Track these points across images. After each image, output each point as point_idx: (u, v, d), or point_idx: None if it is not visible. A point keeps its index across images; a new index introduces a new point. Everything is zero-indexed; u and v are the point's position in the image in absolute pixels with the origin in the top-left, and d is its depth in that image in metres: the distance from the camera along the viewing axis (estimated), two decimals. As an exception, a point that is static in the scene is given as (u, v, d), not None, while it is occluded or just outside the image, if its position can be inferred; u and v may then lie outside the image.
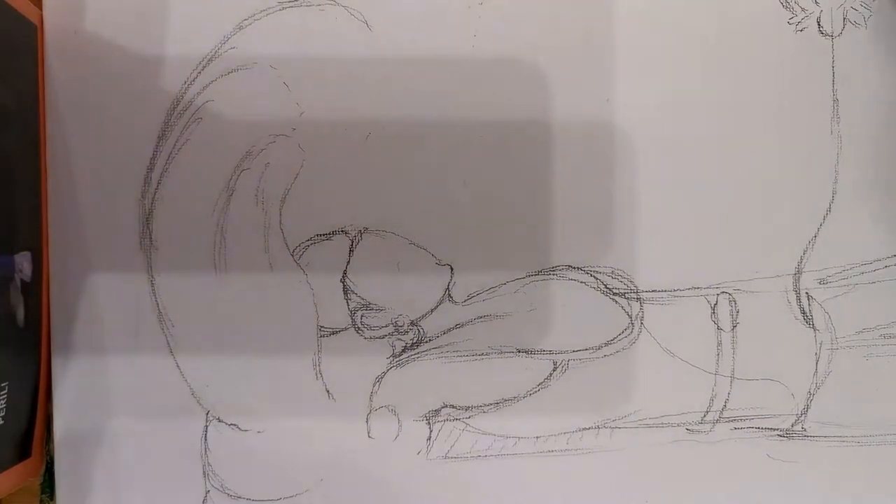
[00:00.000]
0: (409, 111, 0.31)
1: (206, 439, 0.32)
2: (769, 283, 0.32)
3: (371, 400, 0.32)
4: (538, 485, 0.32)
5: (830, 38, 0.31)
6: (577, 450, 0.32)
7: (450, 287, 0.32)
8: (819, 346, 0.32)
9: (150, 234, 0.31)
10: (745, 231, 0.32)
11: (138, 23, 0.31)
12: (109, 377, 0.32)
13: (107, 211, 0.31)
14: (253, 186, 0.31)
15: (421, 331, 0.32)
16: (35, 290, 0.31)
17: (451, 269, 0.32)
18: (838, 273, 0.32)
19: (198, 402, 0.32)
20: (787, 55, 0.31)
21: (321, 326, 0.32)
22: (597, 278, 0.32)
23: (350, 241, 0.32)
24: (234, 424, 0.32)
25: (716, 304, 0.32)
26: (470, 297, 0.32)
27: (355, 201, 0.32)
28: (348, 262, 0.32)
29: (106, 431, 0.32)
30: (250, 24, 0.31)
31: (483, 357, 0.32)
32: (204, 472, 0.32)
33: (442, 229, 0.32)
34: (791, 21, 0.32)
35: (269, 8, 0.31)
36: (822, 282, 0.32)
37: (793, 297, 0.32)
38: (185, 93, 0.31)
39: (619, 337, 0.32)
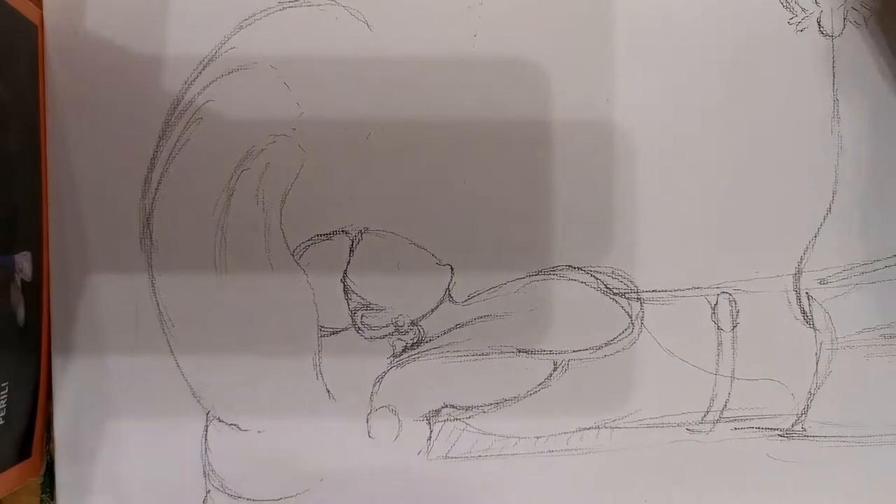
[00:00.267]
0: (409, 111, 0.31)
1: (206, 439, 0.32)
2: (769, 283, 0.32)
3: (371, 400, 0.32)
4: (538, 485, 0.32)
5: (830, 38, 0.31)
6: (577, 450, 0.32)
7: (450, 287, 0.32)
8: (819, 346, 0.32)
9: (150, 234, 0.31)
10: (745, 231, 0.32)
11: (138, 23, 0.31)
12: (109, 377, 0.32)
13: (107, 211, 0.31)
14: (253, 186, 0.31)
15: (421, 331, 0.32)
16: (35, 290, 0.31)
17: (452, 269, 0.32)
18: (838, 273, 0.32)
19: (198, 402, 0.32)
20: (787, 55, 0.31)
21: (321, 326, 0.32)
22: (597, 278, 0.32)
23: (350, 241, 0.32)
24: (234, 424, 0.32)
25: (716, 304, 0.32)
26: (470, 297, 0.32)
27: (355, 201, 0.32)
28: (348, 262, 0.32)
29: (106, 431, 0.32)
30: (250, 24, 0.31)
31: (483, 357, 0.32)
32: (204, 472, 0.32)
33: (442, 229, 0.32)
34: (791, 21, 0.32)
35: (269, 8, 0.31)
36: (822, 282, 0.32)
37: (793, 297, 0.32)
38: (185, 93, 0.31)
39: (620, 337, 0.32)
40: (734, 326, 0.32)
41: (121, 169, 0.31)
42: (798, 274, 0.32)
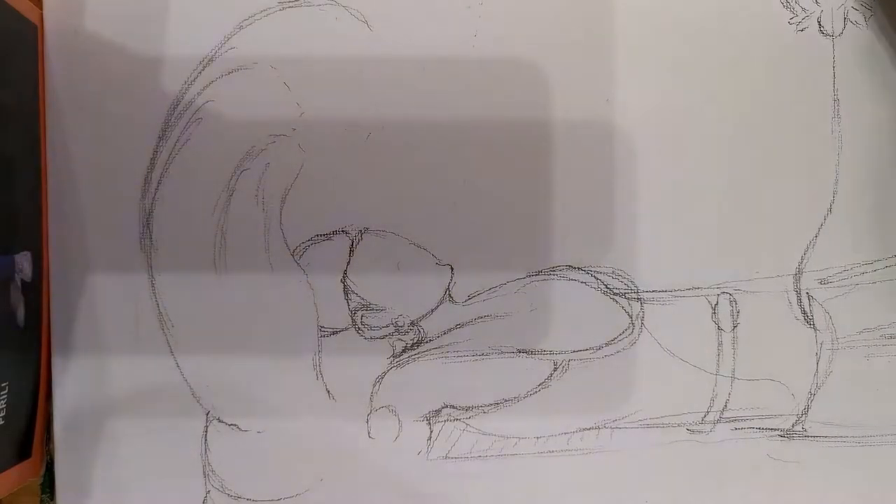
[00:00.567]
0: (409, 111, 0.31)
1: (206, 439, 0.32)
2: (770, 283, 0.32)
3: (371, 400, 0.32)
4: (538, 485, 0.32)
5: (831, 38, 0.31)
6: (577, 450, 0.32)
7: (450, 287, 0.32)
8: (819, 346, 0.32)
9: (150, 234, 0.31)
10: (745, 231, 0.32)
11: (138, 23, 0.31)
12: (109, 377, 0.32)
13: (107, 211, 0.31)
14: (253, 186, 0.31)
15: (421, 331, 0.32)
16: (35, 291, 0.31)
17: (452, 269, 0.32)
18: (839, 273, 0.32)
19: (198, 402, 0.32)
20: (787, 55, 0.31)
21: (321, 326, 0.32)
22: (597, 278, 0.32)
23: (350, 241, 0.32)
24: (234, 424, 0.32)
25: (716, 304, 0.32)
26: (470, 297, 0.32)
27: (355, 201, 0.31)
28: (348, 262, 0.32)
29: (106, 431, 0.32)
30: (250, 24, 0.31)
31: (483, 357, 0.32)
32: (204, 472, 0.32)
33: (442, 229, 0.32)
34: (791, 21, 0.32)
35: (269, 8, 0.31)
36: (822, 282, 0.32)
37: (793, 297, 0.32)
38: (185, 93, 0.31)
39: (620, 337, 0.32)
40: (734, 326, 0.32)
41: (121, 169, 0.31)
42: (798, 274, 0.32)
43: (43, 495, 0.32)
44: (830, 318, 0.32)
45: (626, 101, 0.31)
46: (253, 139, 0.31)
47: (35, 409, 0.31)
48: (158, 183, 0.31)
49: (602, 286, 0.32)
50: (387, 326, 0.32)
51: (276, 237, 0.32)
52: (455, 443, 0.32)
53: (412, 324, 0.32)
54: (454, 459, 0.32)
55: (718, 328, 0.32)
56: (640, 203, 0.32)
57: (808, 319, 0.32)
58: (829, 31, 0.31)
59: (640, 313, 0.32)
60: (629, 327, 0.32)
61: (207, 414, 0.32)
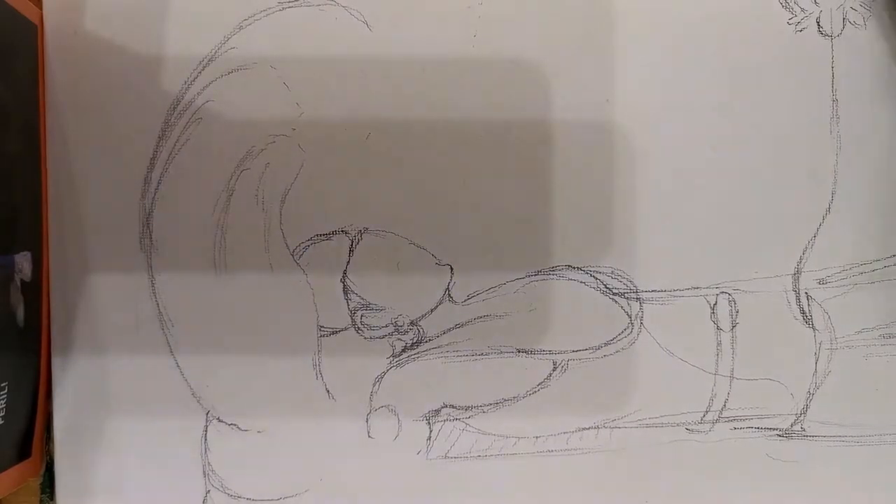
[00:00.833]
0: (409, 111, 0.31)
1: (205, 439, 0.32)
2: (769, 283, 0.32)
3: (371, 400, 0.32)
4: (538, 485, 0.32)
5: (830, 38, 0.31)
6: (577, 450, 0.32)
7: (450, 287, 0.32)
8: (818, 345, 0.32)
9: (150, 234, 0.31)
10: (744, 231, 0.32)
11: (138, 23, 0.31)
12: (109, 377, 0.32)
13: (107, 211, 0.31)
14: (253, 186, 0.31)
15: (421, 331, 0.32)
16: (35, 290, 0.31)
17: (451, 269, 0.32)
18: (838, 273, 0.32)
19: (198, 402, 0.32)
20: (787, 55, 0.32)
21: (321, 326, 0.32)
22: (597, 278, 0.32)
23: (350, 241, 0.32)
24: (234, 424, 0.32)
25: (715, 303, 0.32)
26: (470, 297, 0.32)
27: (355, 201, 0.32)
28: (348, 262, 0.32)
29: (106, 431, 0.32)
30: (250, 24, 0.31)
31: (483, 357, 0.32)
32: (204, 472, 0.32)
33: (442, 229, 0.32)
34: (791, 21, 0.32)
35: (269, 8, 0.31)
36: (821, 282, 0.32)
37: (792, 297, 0.32)
38: (185, 93, 0.31)
39: (619, 337, 0.32)
40: (733, 326, 0.32)
41: (121, 169, 0.31)
42: (797, 274, 0.32)
43: (43, 495, 0.32)
44: (829, 317, 0.32)
45: (626, 101, 0.31)
46: (253, 139, 0.31)
47: (35, 408, 0.31)
48: (158, 182, 0.31)
49: (601, 286, 0.32)
50: (386, 326, 0.32)
51: (276, 237, 0.32)
52: (455, 442, 0.32)
53: (412, 323, 0.32)
54: (454, 459, 0.32)
55: (717, 328, 0.32)
56: (640, 203, 0.32)
57: (807, 319, 0.32)
58: (828, 32, 0.31)
59: (640, 313, 0.32)
60: (628, 327, 0.32)
61: (207, 414, 0.32)
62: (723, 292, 0.32)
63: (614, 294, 0.32)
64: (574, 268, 0.32)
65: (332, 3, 0.31)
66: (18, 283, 0.29)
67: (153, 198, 0.31)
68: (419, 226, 0.32)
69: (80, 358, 0.32)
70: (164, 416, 0.32)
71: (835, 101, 0.32)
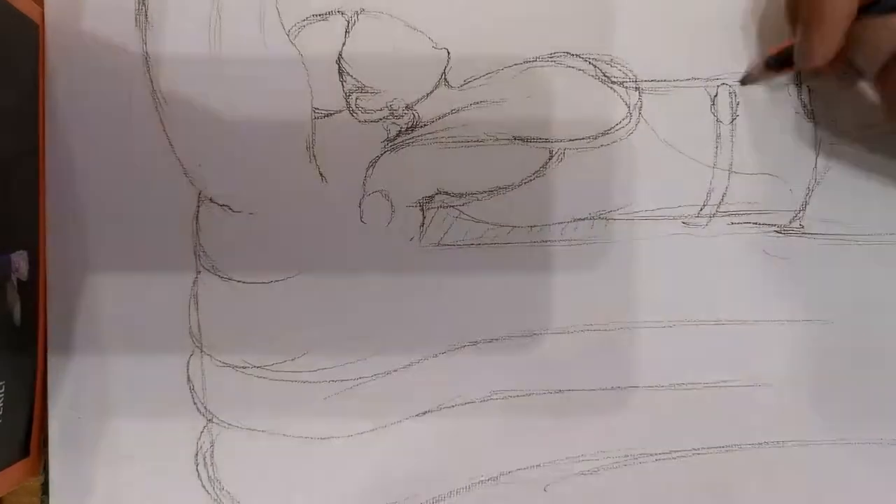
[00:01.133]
0: None
1: (197, 220, 0.31)
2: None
3: (364, 184, 0.31)
4: (533, 274, 0.32)
5: None
6: (570, 240, 0.32)
7: (446, 71, 0.31)
8: (819, 140, 0.31)
9: (145, 12, 0.31)
10: (745, 23, 0.31)
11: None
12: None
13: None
14: (249, -37, 0.31)
15: (416, 115, 0.31)
16: (32, 290, 0.30)
17: (448, 52, 0.31)
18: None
19: (190, 182, 0.31)
20: None
21: (315, 108, 0.31)
22: (595, 66, 0.31)
23: (346, 22, 0.31)
24: (226, 205, 0.31)
25: (716, 95, 0.31)
26: (466, 81, 0.31)
27: (352, -19, 0.31)
28: (344, 44, 0.31)
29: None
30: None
31: (478, 144, 0.31)
32: (195, 253, 0.31)
33: (439, 12, 0.31)
34: None
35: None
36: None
37: (793, 90, 0.31)
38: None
39: (617, 127, 0.31)
40: (733, 119, 0.31)
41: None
42: (800, 66, 0.31)
43: (42, 495, 0.32)
44: (831, 111, 0.31)
45: None
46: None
47: (33, 408, 0.31)
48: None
49: (600, 74, 0.31)
50: (381, 109, 0.31)
51: (272, 16, 0.31)
52: (448, 230, 0.31)
53: (407, 107, 0.31)
54: (447, 247, 0.32)
55: (717, 120, 0.31)
56: (641, -7, 0.31)
57: (809, 113, 0.31)
58: None
59: (638, 103, 0.31)
60: (627, 117, 0.31)
61: (199, 194, 0.31)
62: (723, 84, 0.31)
63: (613, 83, 0.31)
64: (573, 55, 0.31)
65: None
66: (15, 283, 0.29)
67: None
68: (416, 7, 0.31)
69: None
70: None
71: None
